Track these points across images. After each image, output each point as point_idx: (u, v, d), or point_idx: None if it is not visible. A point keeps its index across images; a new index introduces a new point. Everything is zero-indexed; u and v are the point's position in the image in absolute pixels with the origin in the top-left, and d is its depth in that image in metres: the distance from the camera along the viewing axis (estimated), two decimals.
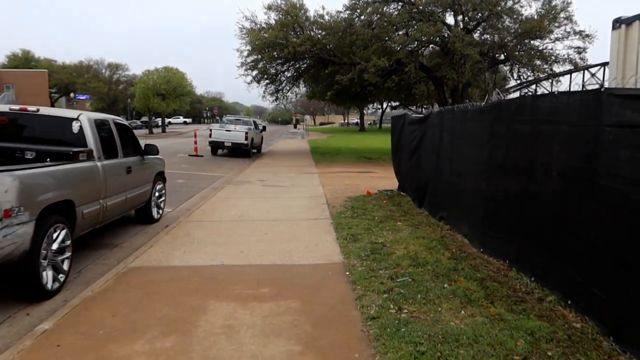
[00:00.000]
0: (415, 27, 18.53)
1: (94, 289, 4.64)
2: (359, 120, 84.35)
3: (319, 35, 22.56)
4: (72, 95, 69.02)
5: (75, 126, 5.52)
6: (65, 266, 4.87)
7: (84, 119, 5.62)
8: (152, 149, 7.36)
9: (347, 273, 5.04)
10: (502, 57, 21.15)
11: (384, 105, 78.72)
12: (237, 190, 11.31)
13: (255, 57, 22.52)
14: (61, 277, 4.78)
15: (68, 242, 4.89)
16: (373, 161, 20.00)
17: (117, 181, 6.15)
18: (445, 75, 18.87)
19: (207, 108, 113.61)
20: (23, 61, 68.75)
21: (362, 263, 5.35)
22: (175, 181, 13.30)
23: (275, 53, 21.97)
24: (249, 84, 24.10)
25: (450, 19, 20.59)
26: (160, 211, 8.28)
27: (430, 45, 20.45)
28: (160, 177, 8.27)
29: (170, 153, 23.25)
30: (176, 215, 8.67)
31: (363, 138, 45.03)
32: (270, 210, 8.72)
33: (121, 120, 6.84)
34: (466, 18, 20.18)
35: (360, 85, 23.65)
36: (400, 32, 19.26)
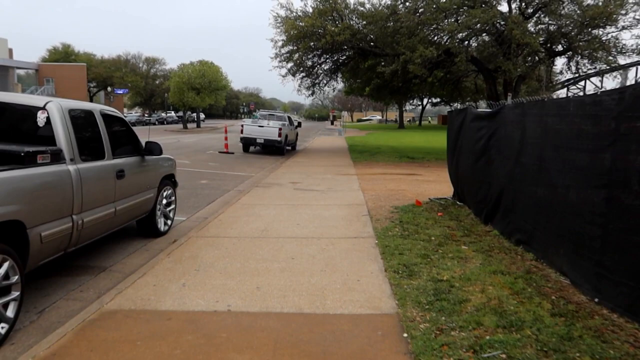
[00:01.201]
0: (467, 13, 16.59)
1: (39, 351, 3.23)
2: (397, 117, 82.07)
3: (359, 25, 20.91)
4: (109, 89, 69.75)
5: (40, 118, 4.15)
6: (10, 312, 3.50)
7: (53, 109, 4.24)
8: (153, 148, 5.96)
9: (405, 335, 3.46)
10: (561, 47, 18.94)
11: (424, 101, 76.26)
12: (265, 195, 9.86)
13: (291, 47, 21.08)
14: (2, 327, 3.41)
15: (15, 279, 3.52)
16: (417, 161, 18.22)
17: (101, 189, 4.77)
18: (500, 66, 16.85)
19: (244, 103, 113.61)
20: (63, 55, 69.87)
21: (425, 316, 3.75)
22: (198, 182, 12.01)
23: (312, 43, 20.46)
24: (283, 76, 22.76)
25: (504, 7, 18.60)
26: (169, 222, 6.90)
27: (482, 35, 18.43)
28: (169, 181, 6.89)
29: (200, 149, 22.18)
30: (189, 226, 7.28)
31: (403, 135, 43.02)
32: (300, 222, 7.21)
33: (112, 110, 5.45)
34: (523, 4, 18.08)
35: (403, 79, 21.88)
36: (450, 20, 17.35)
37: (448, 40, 17.95)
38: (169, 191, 6.89)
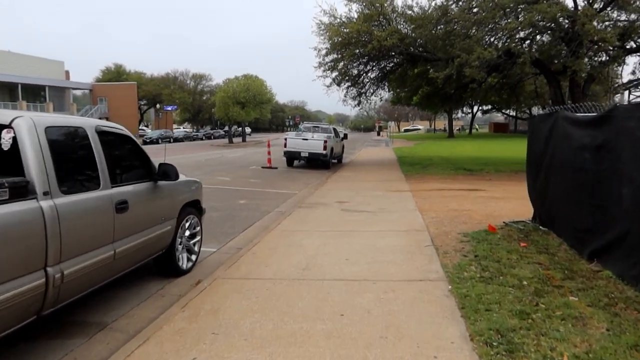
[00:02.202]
0: (529, 9, 14.87)
1: None
2: (446, 126, 79.39)
3: (408, 29, 19.56)
4: (157, 106, 71.33)
5: (5, 139, 3.11)
6: None
7: (22, 127, 3.19)
8: (168, 171, 4.87)
9: None
10: (634, 44, 16.82)
11: (474, 109, 73.43)
12: (308, 218, 8.65)
13: (335, 56, 19.97)
14: None
15: None
16: (476, 174, 16.53)
17: (91, 228, 3.69)
18: (569, 66, 14.99)
19: (290, 116, 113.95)
20: (115, 75, 72.17)
21: None
22: (236, 202, 10.97)
23: (357, 50, 19.28)
24: (328, 86, 21.64)
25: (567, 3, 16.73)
26: (194, 257, 5.79)
27: (546, 33, 16.58)
28: (193, 208, 5.80)
29: (243, 164, 21.37)
30: (218, 260, 6.16)
31: (454, 145, 40.94)
32: (350, 256, 5.92)
33: (113, 126, 4.40)
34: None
35: (456, 85, 20.28)
36: (509, 18, 15.66)
37: (507, 40, 16.27)
38: (193, 220, 5.79)
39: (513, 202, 9.93)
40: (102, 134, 4.03)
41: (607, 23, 15.53)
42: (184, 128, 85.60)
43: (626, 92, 35.10)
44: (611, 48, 15.85)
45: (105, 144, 4.00)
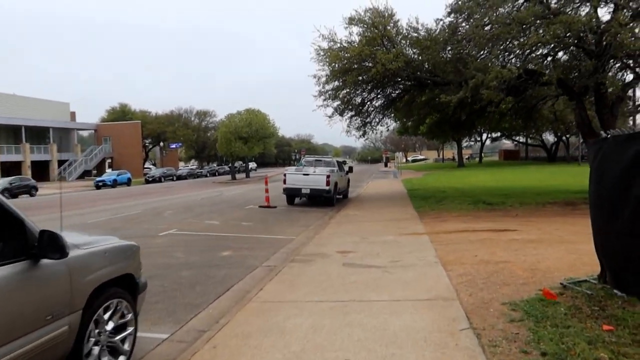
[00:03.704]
0: (551, 23, 13.22)
1: None
2: (455, 155, 77.62)
3: (414, 53, 18.01)
4: (161, 144, 70.49)
5: None
6: None
7: None
8: (54, 243, 3.05)
9: None
10: None
11: (484, 136, 71.85)
12: (300, 279, 6.74)
13: (336, 83, 18.41)
14: None
15: None
16: (498, 208, 14.57)
17: None
18: (603, 82, 13.23)
19: (296, 150, 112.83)
20: (121, 114, 71.78)
21: None
22: (218, 253, 9.12)
23: (360, 77, 17.72)
24: (329, 117, 20.00)
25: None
26: (122, 358, 3.90)
27: (571, 48, 14.87)
28: (121, 288, 3.95)
29: (240, 204, 19.59)
30: (166, 355, 4.28)
31: (466, 175, 39.02)
32: (351, 354, 4.00)
33: None
34: (620, 6, 14.48)
35: (469, 109, 18.58)
36: (530, 32, 13.99)
37: (528, 57, 14.61)
38: (121, 306, 3.93)
39: (556, 248, 7.98)
40: None
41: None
42: (190, 165, 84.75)
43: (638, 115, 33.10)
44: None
45: None
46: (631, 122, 41.52)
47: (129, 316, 4.07)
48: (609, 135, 4.60)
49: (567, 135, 58.96)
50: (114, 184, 42.28)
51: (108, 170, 54.34)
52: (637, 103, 24.98)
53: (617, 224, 4.59)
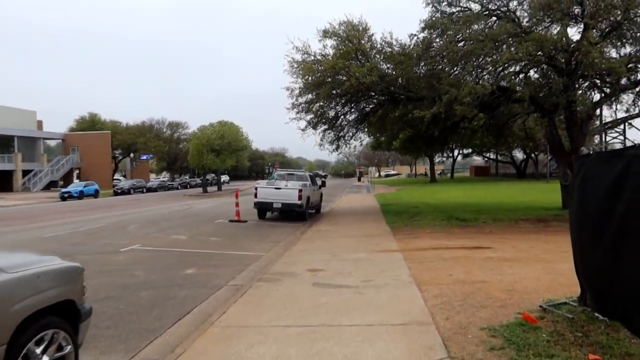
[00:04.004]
0: (526, 38, 13.30)
1: None
2: (427, 171, 78.40)
3: (388, 68, 17.93)
4: (132, 155, 68.91)
5: None
6: None
7: None
8: None
9: None
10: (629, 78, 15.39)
11: (455, 152, 72.82)
12: (266, 300, 6.32)
13: (310, 96, 18.17)
14: None
15: None
16: (471, 225, 14.45)
17: None
18: (573, 101, 13.34)
19: (270, 164, 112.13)
20: (90, 124, 69.98)
21: None
22: (181, 272, 8.60)
23: (334, 91, 17.51)
24: (302, 130, 19.73)
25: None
26: None
27: (542, 65, 15.01)
28: (58, 317, 3.48)
29: (210, 218, 19.00)
30: None
31: (438, 190, 39.24)
32: None
33: None
34: (590, 28, 14.75)
35: (443, 125, 18.58)
36: (503, 49, 14.04)
37: (500, 74, 14.67)
38: (56, 337, 3.45)
39: (533, 267, 7.79)
40: None
41: (610, 53, 14.07)
42: (162, 177, 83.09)
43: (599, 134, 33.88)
44: (611, 82, 14.36)
45: None
46: (597, 140, 42.68)
47: (68, 348, 3.58)
48: (591, 152, 4.39)
49: (536, 153, 60.28)
50: (81, 195, 40.83)
51: (76, 181, 52.49)
52: (603, 122, 25.59)
53: (601, 245, 4.36)
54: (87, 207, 27.99)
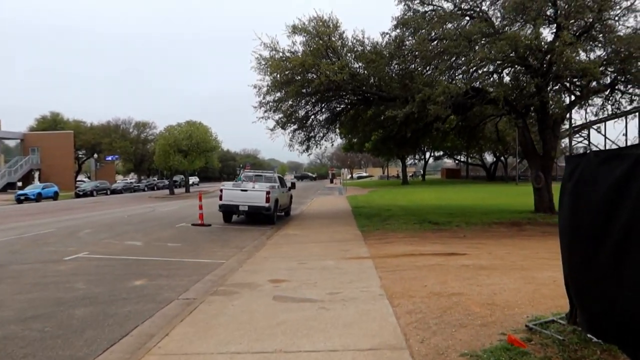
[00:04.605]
0: (500, 37, 12.90)
1: None
2: (400, 173, 78.56)
3: (359, 67, 17.34)
4: (95, 156, 66.61)
5: None
6: None
7: None
8: None
9: None
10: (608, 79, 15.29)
11: (427, 155, 73.18)
12: (218, 319, 5.55)
13: (278, 94, 17.41)
14: None
15: None
16: (445, 229, 13.96)
17: None
18: (549, 102, 13.00)
19: (241, 165, 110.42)
20: (52, 123, 67.33)
21: None
22: (128, 283, 7.73)
23: (303, 89, 16.82)
24: (271, 130, 18.93)
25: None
26: None
27: (516, 66, 14.67)
28: None
29: (172, 221, 18.02)
30: None
31: (410, 192, 38.99)
32: None
33: None
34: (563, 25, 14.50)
35: (415, 125, 18.14)
36: (476, 50, 13.60)
37: (474, 74, 14.27)
38: None
39: (511, 277, 7.24)
40: None
41: (581, 56, 13.81)
42: (130, 179, 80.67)
43: (567, 138, 34.32)
44: (584, 84, 14.13)
45: None
46: (563, 145, 43.32)
47: None
48: (587, 152, 3.81)
49: (505, 156, 61.01)
50: (38, 198, 38.88)
51: (37, 183, 50.06)
52: (573, 125, 25.71)
53: (598, 259, 3.78)
54: (43, 211, 26.46)
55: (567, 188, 4.13)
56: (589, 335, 4.29)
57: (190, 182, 61.46)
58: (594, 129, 48.28)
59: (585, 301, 4.20)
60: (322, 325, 5.12)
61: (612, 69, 14.39)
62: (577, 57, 12.46)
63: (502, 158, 62.69)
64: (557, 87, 15.85)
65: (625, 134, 38.91)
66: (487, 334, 4.59)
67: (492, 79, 14.73)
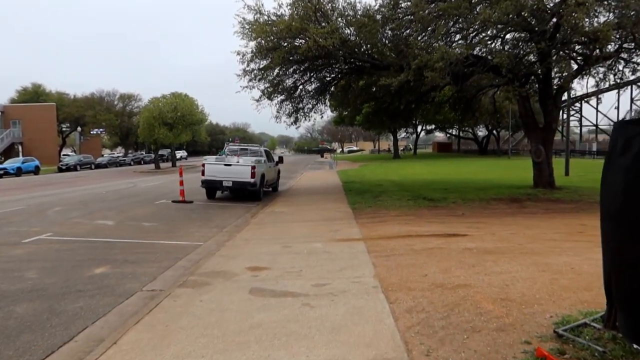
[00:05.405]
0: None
1: None
2: (391, 147, 77.67)
3: (350, 34, 16.13)
4: (79, 129, 64.74)
5: None
6: None
7: None
8: None
9: None
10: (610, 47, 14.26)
11: (419, 128, 72.21)
12: (181, 321, 4.64)
13: (264, 62, 16.21)
14: None
15: None
16: (441, 206, 13.11)
17: None
18: (553, 69, 12.02)
19: (230, 139, 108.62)
20: (33, 95, 65.03)
21: None
22: (87, 272, 6.79)
23: (291, 57, 15.62)
24: (257, 101, 17.79)
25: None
26: None
27: (519, 30, 13.59)
28: None
29: (151, 198, 17.01)
30: None
31: (402, 166, 38.16)
32: None
33: None
34: None
35: (410, 96, 17.11)
36: (478, 11, 12.49)
37: (475, 39, 13.20)
38: None
39: (521, 262, 6.39)
40: None
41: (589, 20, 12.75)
42: (117, 152, 78.94)
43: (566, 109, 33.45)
44: (595, 48, 13.13)
45: None
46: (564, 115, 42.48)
47: None
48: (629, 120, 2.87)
49: (498, 129, 60.22)
50: (18, 172, 37.51)
51: (20, 157, 48.37)
52: (572, 95, 24.80)
53: (631, 249, 2.89)
54: (20, 186, 25.26)
55: (618, 164, 3.21)
56: (634, 346, 3.45)
57: (178, 156, 60.11)
58: (585, 101, 47.51)
59: (635, 304, 3.33)
60: (305, 329, 4.22)
61: (619, 35, 13.40)
62: (588, 21, 11.43)
63: (495, 131, 61.92)
64: (560, 53, 14.87)
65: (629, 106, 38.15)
66: (507, 343, 3.73)
67: (494, 43, 13.67)
